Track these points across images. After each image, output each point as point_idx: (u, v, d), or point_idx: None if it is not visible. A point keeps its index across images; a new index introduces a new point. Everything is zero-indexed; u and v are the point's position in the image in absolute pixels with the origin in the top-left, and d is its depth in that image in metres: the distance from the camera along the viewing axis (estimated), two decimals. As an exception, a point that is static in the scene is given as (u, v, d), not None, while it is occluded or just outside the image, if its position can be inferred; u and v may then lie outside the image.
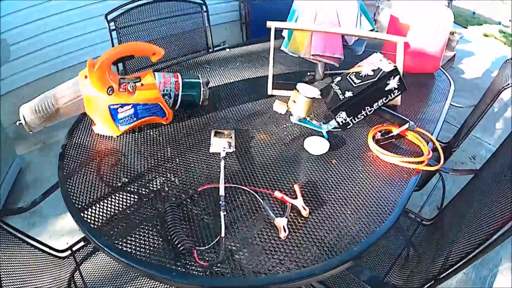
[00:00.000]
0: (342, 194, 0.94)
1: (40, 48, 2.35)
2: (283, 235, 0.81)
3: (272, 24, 1.33)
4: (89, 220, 0.85)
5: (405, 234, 1.34)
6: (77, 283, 1.13)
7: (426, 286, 0.91)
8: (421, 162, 1.04)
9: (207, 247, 0.79)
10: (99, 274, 1.20)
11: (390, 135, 1.15)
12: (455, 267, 0.84)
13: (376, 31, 1.44)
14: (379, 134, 1.14)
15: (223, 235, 0.81)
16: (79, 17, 2.42)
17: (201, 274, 0.74)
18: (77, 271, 1.17)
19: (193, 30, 1.89)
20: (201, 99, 1.22)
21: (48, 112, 1.00)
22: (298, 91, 1.07)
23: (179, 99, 1.18)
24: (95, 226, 0.84)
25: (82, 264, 1.20)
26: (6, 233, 1.02)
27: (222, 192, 0.91)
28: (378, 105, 1.08)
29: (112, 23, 1.62)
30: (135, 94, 1.08)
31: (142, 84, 1.09)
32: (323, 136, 1.13)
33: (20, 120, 1.00)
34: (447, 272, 0.86)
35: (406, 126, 1.14)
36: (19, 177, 2.07)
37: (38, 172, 2.18)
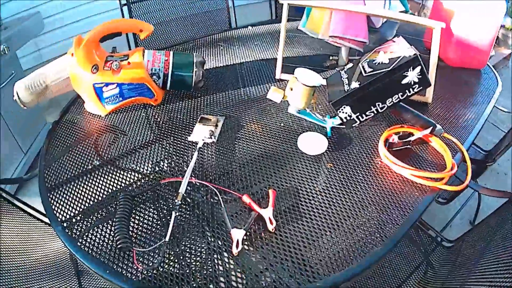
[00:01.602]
0: (327, 208, 0.71)
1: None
2: (234, 250, 0.62)
3: (284, 1, 1.08)
4: (53, 201, 0.75)
5: (422, 251, 1.07)
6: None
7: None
8: (441, 179, 0.77)
9: (147, 249, 0.63)
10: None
11: (408, 139, 0.87)
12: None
13: (411, 14, 1.13)
14: (395, 137, 0.87)
15: (167, 239, 0.64)
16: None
17: (133, 277, 0.59)
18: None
19: (215, 10, 1.66)
20: (193, 81, 1.02)
21: (38, 89, 0.95)
22: (296, 77, 0.83)
23: (169, 80, 1.00)
24: (57, 207, 0.73)
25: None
26: (6, 202, 0.94)
27: (182, 189, 0.72)
28: (392, 101, 0.81)
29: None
30: (120, 73, 0.96)
31: (129, 63, 0.97)
32: (325, 133, 0.89)
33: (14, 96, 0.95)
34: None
35: (429, 130, 0.86)
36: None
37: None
